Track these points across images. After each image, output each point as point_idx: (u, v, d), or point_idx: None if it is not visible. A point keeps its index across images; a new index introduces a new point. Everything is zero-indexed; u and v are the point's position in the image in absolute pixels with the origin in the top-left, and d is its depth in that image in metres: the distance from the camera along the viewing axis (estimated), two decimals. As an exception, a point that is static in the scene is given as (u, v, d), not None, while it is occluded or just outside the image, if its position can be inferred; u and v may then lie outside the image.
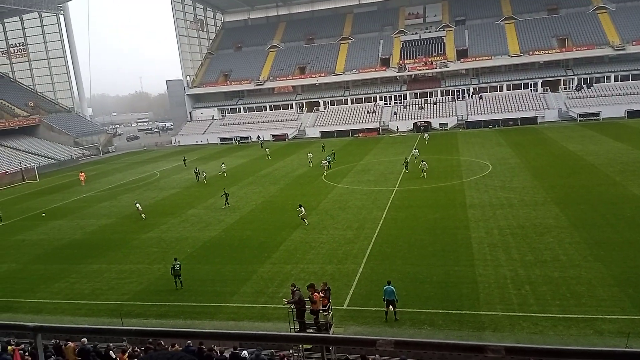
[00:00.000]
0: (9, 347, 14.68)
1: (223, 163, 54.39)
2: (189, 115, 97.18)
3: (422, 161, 42.35)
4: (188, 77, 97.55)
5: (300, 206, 31.18)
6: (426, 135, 65.69)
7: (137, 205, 36.42)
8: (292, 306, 16.54)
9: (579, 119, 70.99)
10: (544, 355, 2.46)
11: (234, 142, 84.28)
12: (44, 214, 39.92)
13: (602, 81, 78.42)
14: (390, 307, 18.03)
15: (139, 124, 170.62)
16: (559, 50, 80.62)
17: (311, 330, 16.43)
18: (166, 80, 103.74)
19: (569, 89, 79.33)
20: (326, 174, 45.66)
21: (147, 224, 34.23)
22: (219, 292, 21.95)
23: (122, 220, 35.80)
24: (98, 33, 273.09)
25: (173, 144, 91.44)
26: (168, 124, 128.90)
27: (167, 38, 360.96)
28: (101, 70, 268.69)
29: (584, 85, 78.39)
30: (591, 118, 70.33)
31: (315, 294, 16.50)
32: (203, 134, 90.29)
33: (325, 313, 16.58)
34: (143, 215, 35.66)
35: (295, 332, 16.07)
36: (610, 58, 79.46)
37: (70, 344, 15.49)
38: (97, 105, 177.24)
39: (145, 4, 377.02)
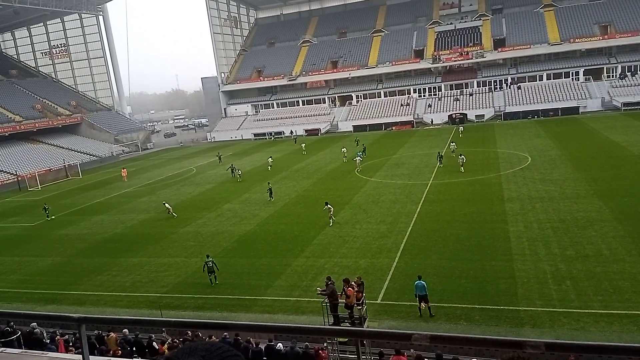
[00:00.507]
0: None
1: (270, 157, 55.37)
2: (223, 112, 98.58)
3: (460, 155, 41.26)
4: (222, 74, 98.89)
5: (326, 204, 30.00)
6: (461, 127, 64.07)
7: (166, 205, 36.36)
8: (325, 299, 16.60)
9: (623, 108, 67.99)
10: (585, 351, 2.38)
11: (268, 137, 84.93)
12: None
13: (648, 68, 74.78)
14: (423, 303, 17.80)
15: (176, 121, 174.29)
16: (601, 38, 77.35)
17: (346, 324, 16.45)
18: (201, 78, 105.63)
19: (613, 77, 76.03)
20: (360, 168, 45.24)
21: (184, 219, 35.02)
22: (254, 285, 22.27)
23: (160, 215, 36.76)
24: (136, 33, 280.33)
25: (208, 140, 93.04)
26: (204, 121, 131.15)
27: (202, 36, 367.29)
28: (139, 69, 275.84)
29: (628, 73, 74.92)
30: (636, 107, 67.17)
31: (349, 288, 16.50)
32: (237, 129, 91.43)
33: (359, 307, 16.57)
34: (174, 214, 35.64)
35: (329, 325, 16.13)
36: (657, 44, 75.66)
37: (112, 334, 16.07)
38: (136, 103, 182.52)
39: (180, 3, 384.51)
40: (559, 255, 21.40)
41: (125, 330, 16.54)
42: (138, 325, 15.39)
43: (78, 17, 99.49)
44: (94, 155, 77.55)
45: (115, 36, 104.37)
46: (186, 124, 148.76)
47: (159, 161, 71.04)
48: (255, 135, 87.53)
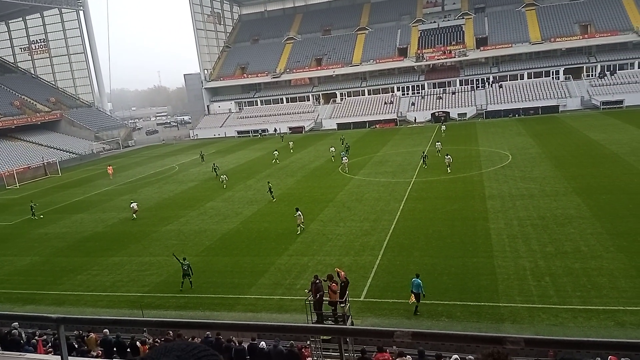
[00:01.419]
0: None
1: (276, 150, 55.98)
2: (206, 109, 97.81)
3: (447, 155, 40.41)
4: (205, 70, 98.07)
5: (297, 210, 28.61)
6: (443, 126, 63.58)
7: (133, 205, 35.69)
8: (310, 297, 16.60)
9: (602, 107, 69.28)
10: (564, 346, 2.41)
11: (252, 134, 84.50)
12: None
13: (626, 68, 76.27)
14: (413, 298, 17.89)
15: (158, 118, 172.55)
16: (581, 37, 78.65)
17: (329, 322, 16.47)
18: (184, 74, 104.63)
19: (592, 76, 77.38)
20: (347, 168, 44.27)
21: (166, 217, 34.69)
22: (237, 283, 22.16)
23: (141, 214, 36.31)
24: (117, 28, 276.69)
25: (191, 138, 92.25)
26: (186, 118, 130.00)
27: (184, 32, 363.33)
28: (120, 65, 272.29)
29: (607, 73, 76.37)
30: (614, 106, 68.56)
31: (334, 284, 16.53)
32: (220, 127, 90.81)
33: (342, 305, 16.60)
34: (134, 215, 35.09)
35: (312, 323, 16.13)
36: (634, 44, 77.12)
37: (92, 335, 15.85)
38: (117, 99, 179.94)
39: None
40: (538, 252, 21.74)
41: (106, 330, 16.32)
42: (118, 325, 15.21)
43: (58, 12, 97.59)
44: (73, 153, 76.29)
45: (96, 32, 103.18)
46: (168, 121, 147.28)
47: (141, 159, 70.19)
48: (238, 132, 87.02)
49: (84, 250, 29.41)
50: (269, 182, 38.30)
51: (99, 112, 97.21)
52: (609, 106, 68.74)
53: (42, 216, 38.57)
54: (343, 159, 45.67)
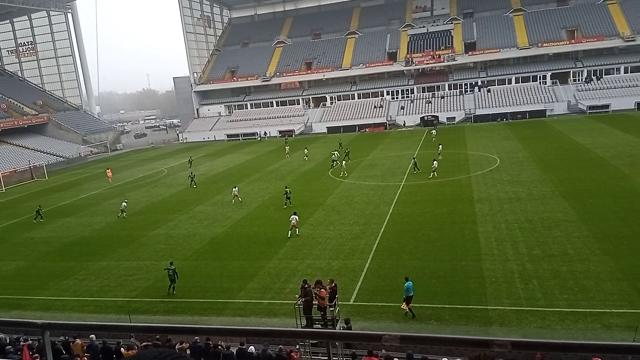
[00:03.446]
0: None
1: (306, 148, 57.40)
2: (196, 112, 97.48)
3: (434, 160, 40.43)
4: (195, 74, 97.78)
5: (294, 214, 28.46)
6: (433, 131, 62.69)
7: (124, 204, 36.55)
8: (299, 302, 16.57)
9: (588, 111, 70.22)
10: (550, 349, 2.44)
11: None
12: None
13: (612, 73, 77.46)
14: (405, 304, 17.92)
15: (147, 121, 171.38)
16: (568, 42, 79.70)
17: (318, 326, 16.45)
18: (173, 77, 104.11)
19: (579, 81, 78.45)
20: (345, 172, 43.87)
21: (155, 221, 34.44)
22: (226, 288, 22.05)
23: (130, 217, 36.02)
24: (106, 31, 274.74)
25: (180, 141, 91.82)
26: (175, 121, 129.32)
27: (174, 35, 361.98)
28: (109, 68, 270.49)
29: (593, 77, 77.46)
30: (600, 110, 69.53)
31: (322, 290, 16.52)
32: (210, 130, 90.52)
33: (332, 309, 16.60)
34: (124, 215, 35.82)
35: (302, 327, 16.10)
36: (620, 49, 78.39)
37: (78, 340, 15.65)
38: (105, 103, 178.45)
39: (152, 2, 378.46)
40: (526, 255, 21.92)
41: (92, 336, 16.11)
42: (105, 330, 14.98)
43: (46, 15, 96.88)
44: (60, 156, 75.49)
45: (85, 34, 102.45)
46: (157, 125, 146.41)
47: (129, 162, 69.68)
48: (228, 136, 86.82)
49: (70, 254, 29.07)
50: (286, 187, 36.01)
51: (86, 115, 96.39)
52: (595, 110, 69.67)
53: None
54: (343, 163, 45.20)
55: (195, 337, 15.15)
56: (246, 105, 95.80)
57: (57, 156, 75.10)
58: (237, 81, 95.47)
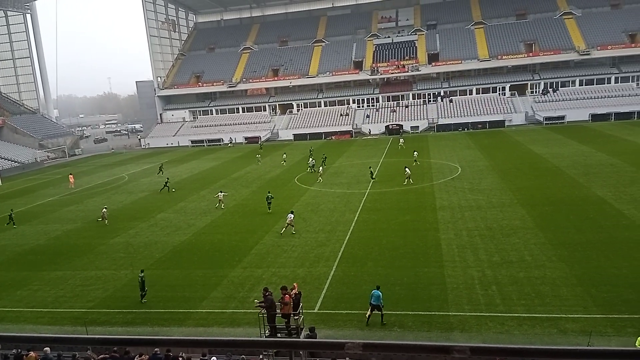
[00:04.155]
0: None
1: (285, 153, 56.53)
2: (159, 117, 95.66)
3: (406, 167, 41.22)
4: (159, 78, 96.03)
5: (292, 212, 29.67)
6: (401, 140, 63.14)
7: (104, 210, 35.71)
8: (262, 310, 16.39)
9: (544, 122, 73.04)
10: (508, 354, 2.48)
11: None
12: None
13: (568, 85, 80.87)
14: (376, 310, 18.00)
15: (107, 126, 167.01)
16: (526, 55, 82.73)
17: (280, 335, 16.31)
18: (136, 81, 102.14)
19: (536, 93, 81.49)
20: (321, 178, 44.34)
21: (114, 229, 33.45)
22: (188, 297, 21.59)
23: (88, 225, 34.89)
24: (67, 33, 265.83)
25: (142, 147, 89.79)
26: (137, 126, 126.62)
27: (138, 38, 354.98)
28: (69, 70, 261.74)
29: (550, 90, 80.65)
30: (556, 121, 72.45)
31: (287, 295, 16.40)
32: (174, 136, 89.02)
33: (296, 317, 16.49)
34: (105, 220, 34.91)
35: (265, 337, 15.93)
36: (575, 63, 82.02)
37: (32, 353, 14.99)
38: (64, 106, 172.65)
39: (116, 4, 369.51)
40: (485, 262, 22.47)
41: (47, 348, 15.46)
42: (60, 343, 14.44)
43: (4, 14, 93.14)
44: (15, 162, 72.43)
45: (44, 36, 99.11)
46: (119, 130, 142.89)
47: (88, 168, 67.55)
48: (192, 142, 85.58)
49: (24, 264, 27.84)
50: (269, 192, 35.79)
51: (44, 119, 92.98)
52: (551, 121, 72.54)
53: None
54: (320, 168, 46.10)
55: (156, 349, 14.76)
56: (211, 111, 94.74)
57: (12, 161, 72.01)
58: (202, 86, 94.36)
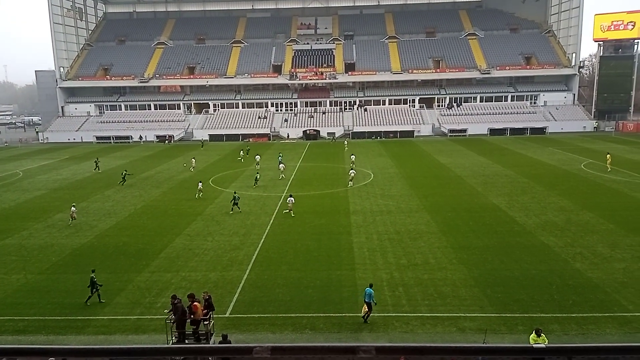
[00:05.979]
0: None
1: (193, 158, 52.83)
2: (60, 110, 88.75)
3: (351, 170, 43.20)
4: (62, 68, 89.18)
5: (291, 196, 33.36)
6: (345, 142, 68.34)
7: (73, 208, 32.72)
8: (171, 316, 15.78)
9: (449, 134, 78.11)
10: (410, 353, 2.60)
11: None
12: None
13: (470, 101, 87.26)
14: (365, 308, 18.05)
15: (1, 117, 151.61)
16: (434, 71, 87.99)
17: (188, 341, 15.79)
18: (35, 71, 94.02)
19: (442, 106, 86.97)
20: (283, 175, 45.09)
21: (4, 230, 30.42)
22: (88, 303, 20.18)
23: (-28, 225, 31.37)
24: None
25: (40, 141, 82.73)
26: (35, 119, 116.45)
27: (39, 24, 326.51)
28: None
29: (454, 104, 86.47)
30: (459, 134, 77.78)
31: (195, 304, 15.92)
32: (77, 131, 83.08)
33: (206, 323, 16.07)
34: (74, 220, 31.69)
35: (172, 344, 15.33)
36: (477, 80, 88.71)
37: None
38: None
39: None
40: (393, 264, 23.48)
41: None
42: None
43: None
44: None
45: None
46: (13, 122, 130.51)
47: (-25, 162, 60.82)
48: (98, 138, 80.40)
49: None
50: (235, 192, 34.68)
51: None
52: (455, 134, 77.74)
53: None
54: (280, 165, 46.63)
55: (50, 359, 13.62)
56: (120, 106, 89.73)
57: None
58: (110, 80, 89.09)
